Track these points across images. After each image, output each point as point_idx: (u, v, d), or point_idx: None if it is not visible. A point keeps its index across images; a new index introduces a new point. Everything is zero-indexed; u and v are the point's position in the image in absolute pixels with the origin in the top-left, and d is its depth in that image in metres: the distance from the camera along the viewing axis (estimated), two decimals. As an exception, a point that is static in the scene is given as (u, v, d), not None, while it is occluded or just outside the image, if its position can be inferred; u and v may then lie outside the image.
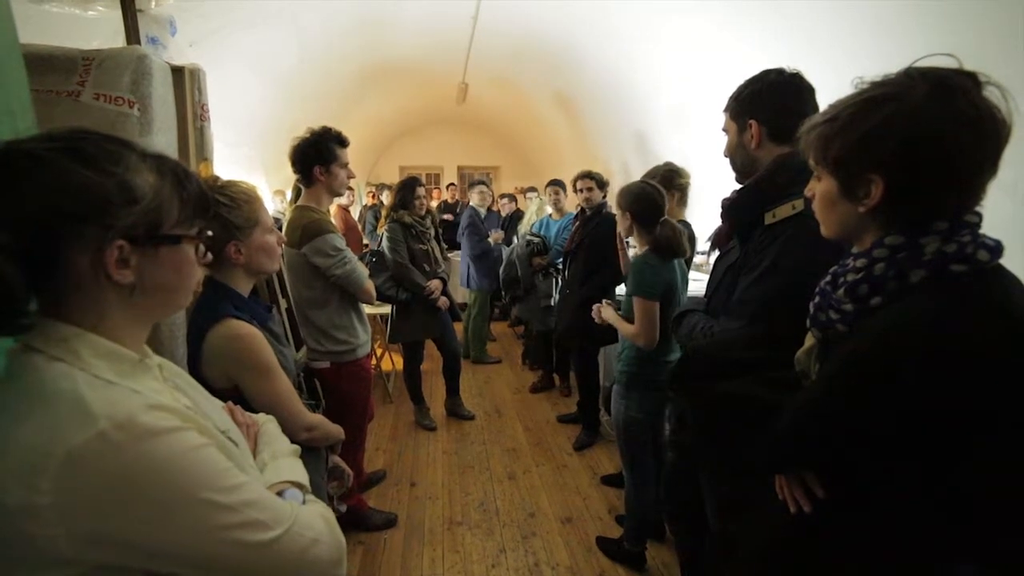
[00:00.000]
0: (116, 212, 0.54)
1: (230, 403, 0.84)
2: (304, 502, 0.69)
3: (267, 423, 0.87)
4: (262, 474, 0.72)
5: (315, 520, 0.64)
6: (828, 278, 0.78)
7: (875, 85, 0.68)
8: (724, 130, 1.19)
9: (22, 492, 0.46)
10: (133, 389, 0.54)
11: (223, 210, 1.15)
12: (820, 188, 0.76)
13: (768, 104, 1.08)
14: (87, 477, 0.48)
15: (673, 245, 1.76)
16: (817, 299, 0.78)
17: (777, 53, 2.35)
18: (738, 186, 1.19)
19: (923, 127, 0.62)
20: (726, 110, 1.17)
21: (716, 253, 1.34)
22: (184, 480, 0.52)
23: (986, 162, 0.63)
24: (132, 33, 1.34)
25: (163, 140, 1.28)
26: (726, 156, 1.21)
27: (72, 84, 1.17)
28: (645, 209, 1.77)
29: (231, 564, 0.55)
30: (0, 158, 0.51)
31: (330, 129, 1.89)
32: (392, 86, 5.88)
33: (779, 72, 1.08)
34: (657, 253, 1.76)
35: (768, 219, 1.03)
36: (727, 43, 2.81)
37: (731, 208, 1.15)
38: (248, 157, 4.20)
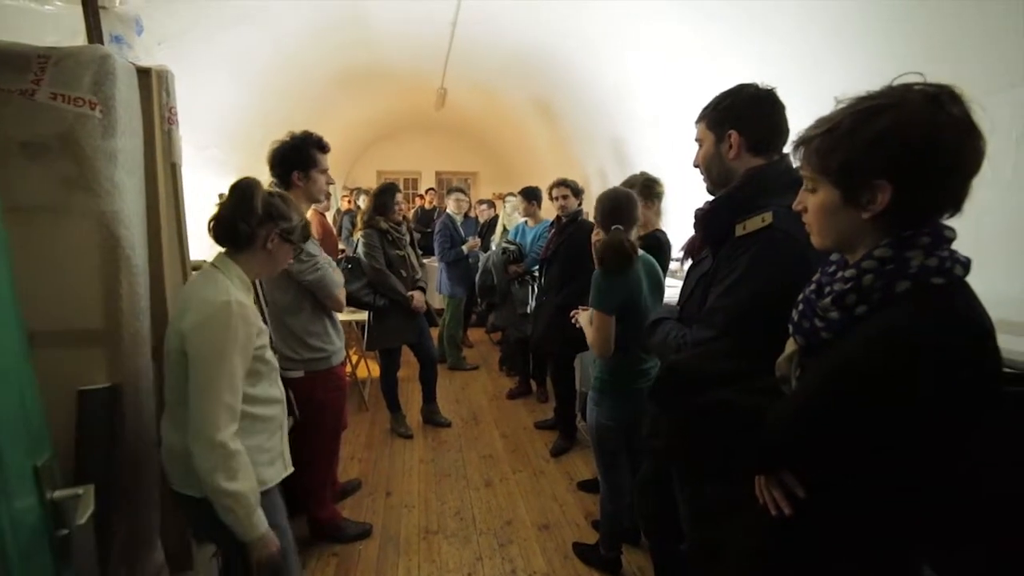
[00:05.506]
0: (280, 223, 1.28)
1: None
2: None
3: None
4: None
5: (239, 458, 1.12)
6: (812, 287, 0.80)
7: (867, 97, 0.71)
8: (698, 140, 1.21)
9: (191, 306, 1.16)
10: (242, 293, 1.21)
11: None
12: (816, 199, 0.79)
13: (750, 116, 1.11)
14: (207, 313, 1.13)
15: (609, 257, 1.67)
16: (800, 307, 0.81)
17: (752, 62, 2.43)
18: (710, 197, 1.21)
19: (926, 130, 0.66)
20: (700, 120, 1.19)
21: (689, 262, 1.36)
22: (228, 333, 1.12)
23: (975, 165, 0.67)
24: (94, 32, 1.29)
25: (128, 143, 1.25)
26: (696, 166, 1.23)
27: (26, 82, 1.12)
28: (606, 213, 1.77)
29: (201, 382, 1.10)
30: (265, 190, 1.29)
31: (311, 134, 1.87)
32: (370, 90, 5.83)
33: (756, 87, 1.11)
34: (601, 265, 1.70)
35: (739, 230, 1.05)
36: (702, 51, 2.88)
37: (704, 219, 1.18)
38: (219, 160, 4.08)
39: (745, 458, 0.84)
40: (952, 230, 0.71)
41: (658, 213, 2.41)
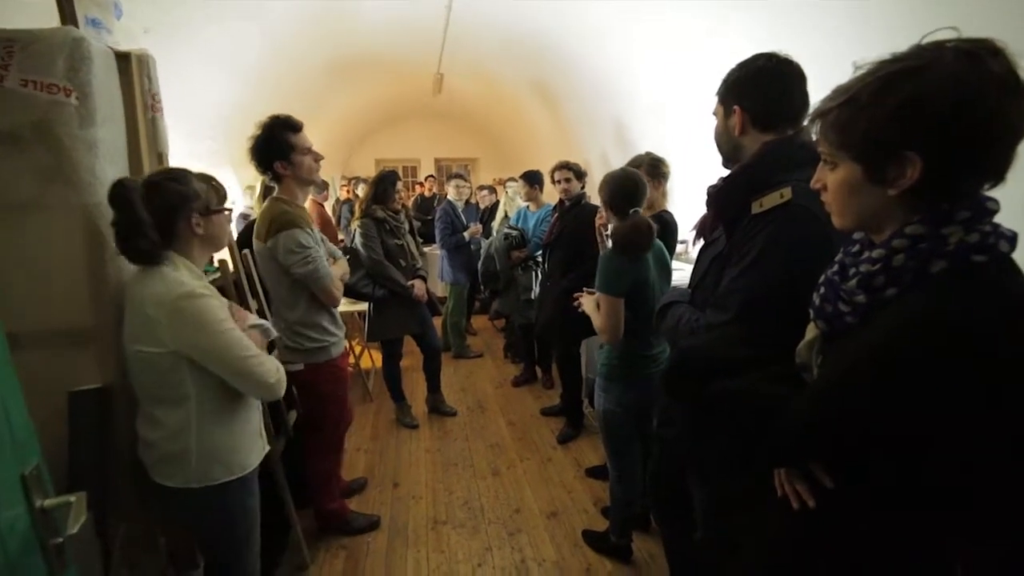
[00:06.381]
0: (188, 204, 1.15)
1: (232, 303, 1.27)
2: None
3: (251, 318, 1.34)
4: None
5: (269, 359, 1.24)
6: (835, 268, 0.74)
7: (891, 60, 0.64)
8: (714, 113, 1.15)
9: (157, 311, 1.06)
10: (196, 280, 1.14)
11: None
12: (836, 176, 0.72)
13: (753, 90, 1.05)
14: (179, 308, 1.07)
15: (631, 241, 1.65)
16: (822, 290, 0.75)
17: (762, 42, 2.33)
18: (724, 173, 1.15)
19: (961, 93, 0.59)
20: (717, 93, 1.13)
21: (700, 243, 1.30)
22: (210, 314, 1.11)
23: (1020, 127, 0.60)
24: (67, 14, 1.22)
25: (108, 132, 1.19)
26: (715, 141, 1.17)
27: (-6, 69, 1.06)
28: (618, 197, 1.71)
29: (226, 362, 1.13)
30: (146, 185, 1.11)
31: (277, 117, 1.76)
32: (365, 77, 5.71)
33: (768, 57, 1.04)
34: (617, 249, 1.67)
35: (755, 208, 0.99)
36: (708, 32, 2.78)
37: (717, 196, 1.11)
38: (214, 151, 4.02)
39: (766, 450, 0.79)
40: (995, 201, 0.65)
41: (664, 194, 2.34)
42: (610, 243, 1.75)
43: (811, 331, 0.79)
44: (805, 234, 0.92)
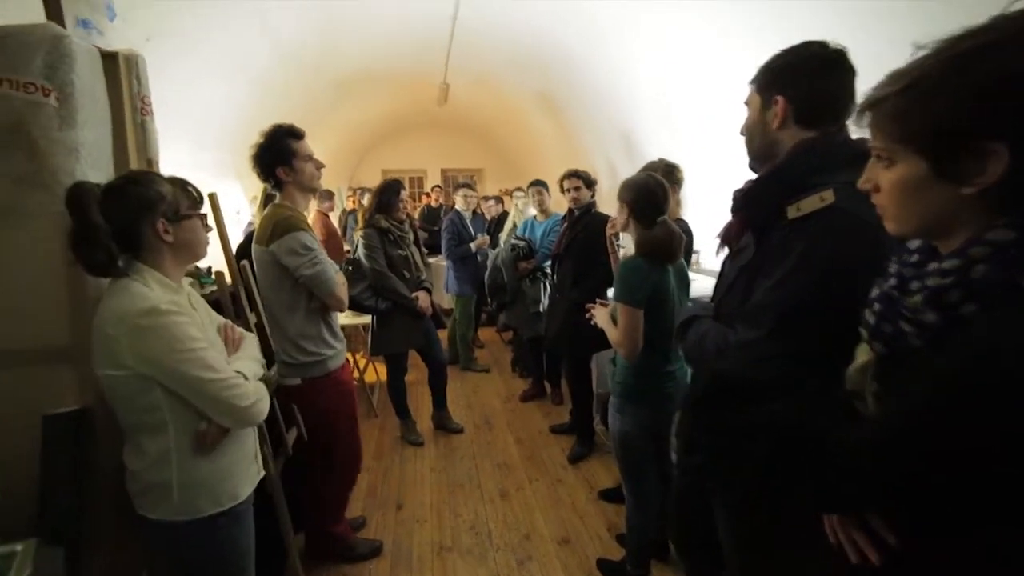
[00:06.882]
0: (157, 206, 1.03)
1: (227, 322, 1.27)
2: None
3: (249, 338, 1.30)
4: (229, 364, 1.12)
5: (246, 383, 1.11)
6: (892, 282, 0.64)
7: (962, 37, 0.54)
8: (746, 103, 1.04)
9: (116, 329, 0.97)
10: (167, 295, 1.04)
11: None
12: (893, 174, 0.62)
13: (802, 79, 0.93)
14: (138, 326, 0.97)
15: (663, 249, 1.60)
16: (878, 307, 0.64)
17: (771, 45, 2.24)
18: (740, 176, 1.05)
19: None
20: (753, 81, 1.02)
21: (724, 251, 1.20)
22: (173, 332, 0.99)
23: None
24: (53, 13, 1.16)
25: (92, 135, 1.12)
26: (742, 134, 1.07)
27: (-33, 68, 0.99)
28: (644, 203, 1.62)
29: (189, 385, 1.01)
30: (105, 189, 1.01)
31: (280, 126, 1.77)
32: (371, 88, 5.70)
33: (822, 45, 0.93)
34: (645, 256, 1.61)
35: (791, 213, 0.89)
36: (713, 39, 2.70)
37: (745, 200, 1.02)
38: (220, 161, 3.99)
39: (819, 493, 0.68)
40: None
41: (678, 202, 2.24)
42: (622, 251, 1.66)
43: (864, 353, 0.69)
44: (851, 241, 0.82)
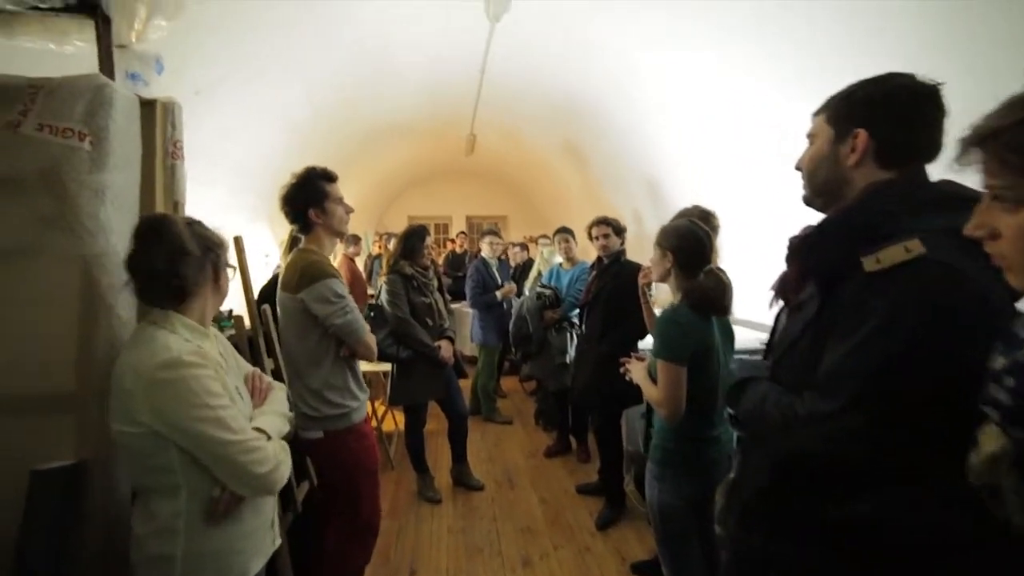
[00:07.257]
0: (218, 251, 1.07)
1: (256, 370, 1.21)
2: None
3: (278, 390, 1.23)
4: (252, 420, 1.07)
5: (268, 445, 1.03)
6: None
7: None
8: (809, 136, 0.96)
9: (134, 384, 0.92)
10: (195, 340, 1.02)
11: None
12: (1018, 219, 0.52)
13: (890, 114, 0.84)
14: (156, 379, 0.92)
15: (712, 301, 1.50)
16: (1012, 381, 0.53)
17: (792, 93, 2.20)
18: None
19: None
20: (820, 111, 0.94)
21: (779, 304, 1.09)
22: (191, 386, 0.94)
23: None
24: (105, 67, 1.18)
25: (120, 177, 1.10)
26: (798, 168, 0.98)
27: (12, 114, 1.00)
28: (691, 251, 1.53)
29: (204, 446, 0.94)
30: (187, 222, 1.05)
31: (314, 168, 1.74)
32: (400, 138, 5.90)
33: (910, 77, 0.84)
34: (692, 307, 1.50)
35: (869, 265, 0.78)
36: (739, 85, 2.69)
37: (807, 248, 0.91)
38: (253, 207, 4.11)
39: None
40: None
41: (715, 250, 2.14)
42: (654, 302, 1.55)
43: (992, 439, 0.56)
44: (949, 297, 0.71)
